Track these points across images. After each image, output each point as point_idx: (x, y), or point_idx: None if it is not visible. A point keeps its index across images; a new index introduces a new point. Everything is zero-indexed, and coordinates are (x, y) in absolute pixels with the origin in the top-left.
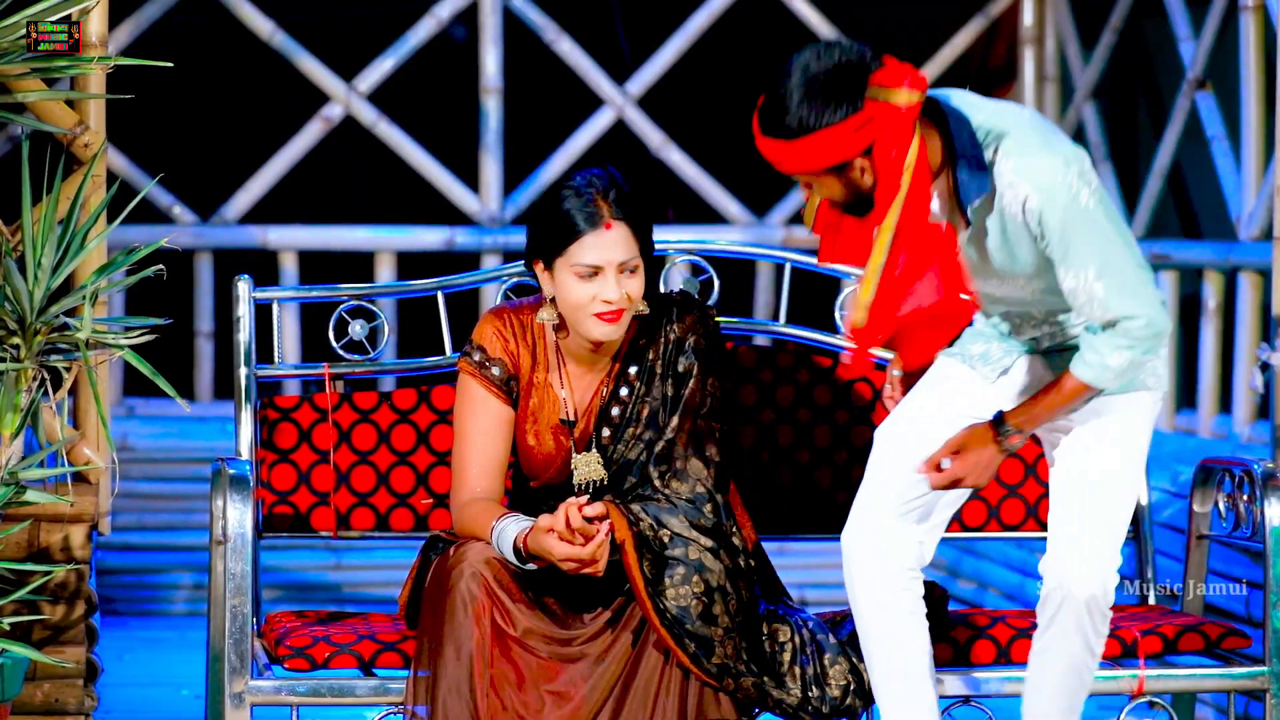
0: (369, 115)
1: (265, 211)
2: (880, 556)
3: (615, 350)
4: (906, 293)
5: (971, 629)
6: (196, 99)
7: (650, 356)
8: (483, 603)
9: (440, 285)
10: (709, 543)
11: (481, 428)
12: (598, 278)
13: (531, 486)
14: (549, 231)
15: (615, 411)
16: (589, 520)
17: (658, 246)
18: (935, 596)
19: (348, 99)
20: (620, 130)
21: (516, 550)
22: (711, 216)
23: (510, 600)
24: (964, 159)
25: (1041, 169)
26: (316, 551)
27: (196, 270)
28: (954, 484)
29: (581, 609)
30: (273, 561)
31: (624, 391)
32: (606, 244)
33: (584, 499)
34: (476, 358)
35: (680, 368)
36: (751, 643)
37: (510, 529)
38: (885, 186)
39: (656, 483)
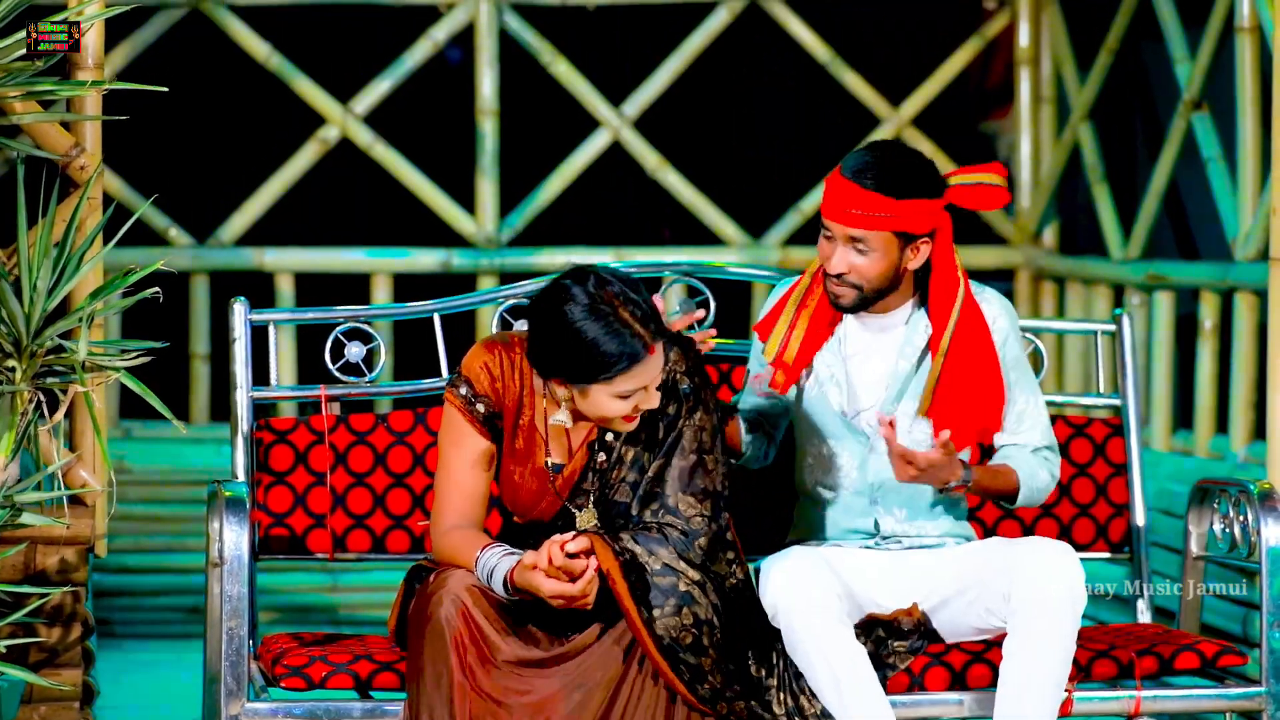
0: (365, 137)
1: (261, 233)
2: (802, 572)
3: None
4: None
5: (926, 656)
6: (193, 121)
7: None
8: (461, 630)
9: (437, 308)
10: (696, 576)
11: (464, 459)
12: (634, 395)
13: (516, 522)
14: (582, 362)
15: (601, 457)
16: (572, 556)
17: (654, 267)
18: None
19: (344, 121)
20: (616, 152)
21: (505, 584)
22: (707, 238)
23: (490, 627)
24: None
25: (1006, 306)
26: (313, 574)
27: (193, 292)
28: (912, 478)
29: (564, 633)
30: (269, 584)
31: (609, 436)
32: (650, 367)
33: (568, 535)
34: (463, 391)
35: (671, 410)
36: (740, 668)
37: (500, 563)
38: (944, 276)
39: (648, 518)
